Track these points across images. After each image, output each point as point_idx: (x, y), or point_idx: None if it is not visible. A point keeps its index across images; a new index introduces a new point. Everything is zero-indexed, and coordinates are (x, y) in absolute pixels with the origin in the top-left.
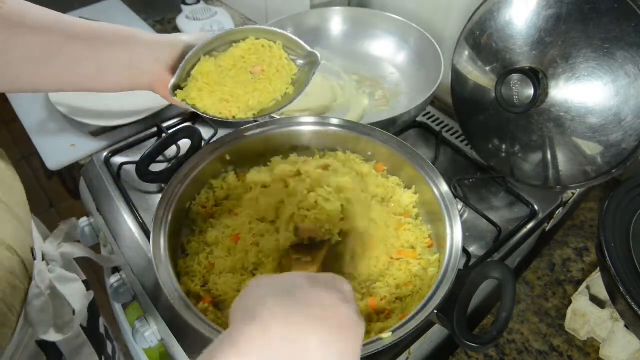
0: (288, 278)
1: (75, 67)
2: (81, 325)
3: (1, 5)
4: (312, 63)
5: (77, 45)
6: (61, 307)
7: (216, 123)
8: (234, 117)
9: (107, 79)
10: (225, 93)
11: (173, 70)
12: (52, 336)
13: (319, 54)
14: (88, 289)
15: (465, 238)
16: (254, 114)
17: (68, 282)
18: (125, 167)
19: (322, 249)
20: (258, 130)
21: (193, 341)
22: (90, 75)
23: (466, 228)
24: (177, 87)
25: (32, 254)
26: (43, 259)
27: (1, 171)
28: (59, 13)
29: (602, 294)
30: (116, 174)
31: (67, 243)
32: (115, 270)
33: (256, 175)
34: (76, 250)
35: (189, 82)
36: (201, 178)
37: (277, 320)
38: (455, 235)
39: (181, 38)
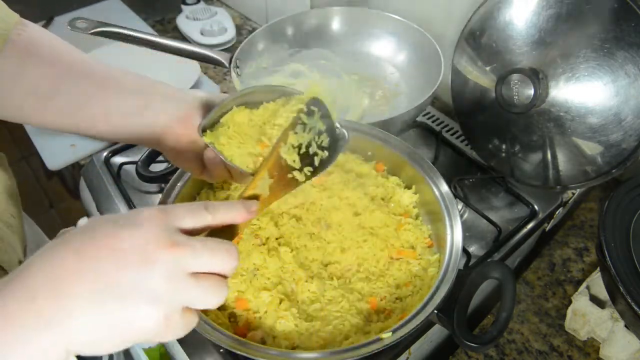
0: (82, 229)
1: (81, 107)
2: None
3: (20, 33)
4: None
5: (88, 84)
6: None
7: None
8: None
9: (115, 125)
10: (255, 147)
11: (186, 124)
12: None
13: (347, 134)
14: None
15: (465, 238)
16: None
17: None
18: (125, 167)
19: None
20: None
21: (193, 341)
22: (96, 118)
23: (466, 228)
24: (205, 130)
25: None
26: None
27: None
28: (79, 51)
29: (602, 294)
30: (116, 174)
31: None
32: None
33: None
34: None
35: (218, 128)
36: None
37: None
38: (455, 235)
39: (199, 94)
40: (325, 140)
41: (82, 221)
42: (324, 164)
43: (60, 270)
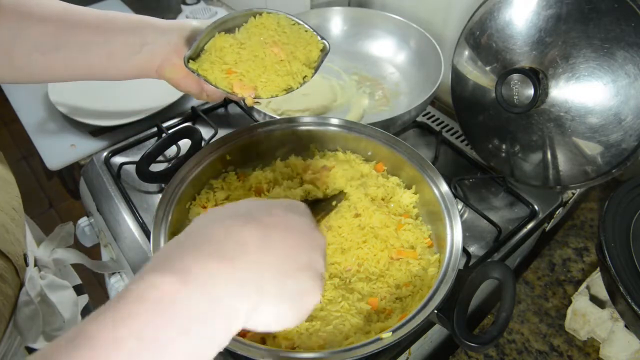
0: (242, 204)
1: (86, 54)
2: None
3: None
4: (322, 51)
5: (87, 33)
6: (51, 315)
7: (216, 123)
8: (242, 97)
9: (118, 65)
10: (237, 68)
11: (179, 54)
12: (42, 344)
13: (328, 43)
14: (82, 292)
15: (465, 238)
16: (270, 96)
17: (58, 289)
18: (125, 167)
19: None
20: (258, 130)
21: None
22: (100, 61)
23: (466, 228)
24: (190, 59)
25: (25, 260)
26: (35, 265)
27: None
28: (67, 3)
29: (602, 294)
30: (116, 174)
31: (61, 249)
32: None
33: (258, 175)
34: (70, 257)
35: (202, 55)
36: (201, 178)
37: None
38: (455, 235)
39: (191, 22)
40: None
41: (83, 221)
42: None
43: (248, 239)
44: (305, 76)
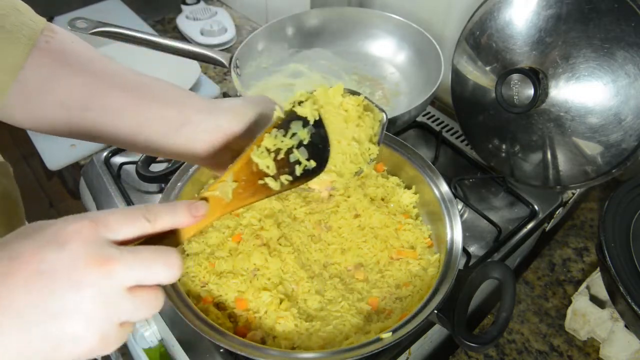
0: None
1: (114, 120)
2: None
3: (48, 40)
4: (380, 122)
5: (121, 96)
6: None
7: None
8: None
9: (149, 139)
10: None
11: (235, 142)
12: None
13: (386, 114)
14: None
15: (465, 238)
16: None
17: None
18: (125, 167)
19: None
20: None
21: (193, 341)
22: (129, 131)
23: (466, 228)
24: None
25: None
26: None
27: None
28: (110, 58)
29: (602, 294)
30: (116, 174)
31: None
32: None
33: None
34: None
35: None
36: (201, 178)
37: None
38: (455, 235)
39: (250, 107)
40: (314, 150)
41: None
42: (308, 174)
43: None
44: (372, 153)
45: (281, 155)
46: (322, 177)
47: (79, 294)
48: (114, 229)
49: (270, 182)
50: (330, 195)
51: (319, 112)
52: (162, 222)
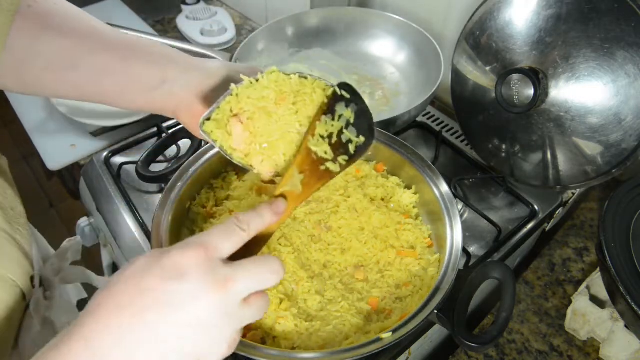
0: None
1: (100, 79)
2: None
3: (30, 4)
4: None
5: (106, 56)
6: (53, 337)
7: None
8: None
9: (132, 97)
10: (259, 140)
11: (205, 100)
12: None
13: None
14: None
15: (465, 238)
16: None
17: (63, 311)
18: (125, 167)
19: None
20: None
21: None
22: (114, 90)
23: (466, 228)
24: (209, 119)
25: (32, 282)
26: (41, 285)
27: (2, 193)
28: (94, 18)
29: (602, 294)
30: (116, 174)
31: (67, 266)
32: (116, 270)
33: (258, 175)
34: (76, 276)
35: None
36: (201, 178)
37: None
38: (455, 235)
39: (213, 63)
40: (359, 125)
41: (83, 221)
42: (360, 150)
43: (124, 334)
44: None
45: (334, 139)
46: (265, 159)
47: (209, 319)
48: (221, 248)
49: (330, 165)
50: (273, 180)
51: (352, 88)
52: (254, 227)
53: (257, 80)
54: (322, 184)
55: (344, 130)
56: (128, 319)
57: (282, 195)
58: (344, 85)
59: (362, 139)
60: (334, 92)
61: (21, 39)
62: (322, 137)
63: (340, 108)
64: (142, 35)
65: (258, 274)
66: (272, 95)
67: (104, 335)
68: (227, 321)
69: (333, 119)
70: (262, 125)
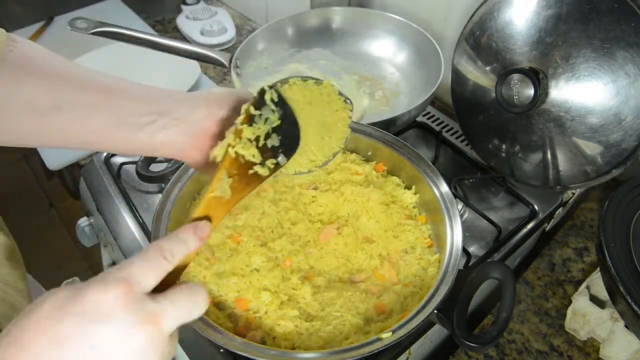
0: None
1: (85, 119)
2: None
3: (11, 49)
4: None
5: (91, 95)
6: None
7: None
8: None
9: (124, 135)
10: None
11: (208, 126)
12: None
13: (352, 103)
14: None
15: (465, 238)
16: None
17: None
18: (125, 167)
19: None
20: None
21: (193, 341)
22: (102, 129)
23: (466, 228)
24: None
25: None
26: None
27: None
28: (78, 64)
29: (602, 294)
30: (116, 174)
31: None
32: None
33: None
34: None
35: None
36: (201, 178)
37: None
38: (455, 235)
39: (211, 96)
40: (284, 128)
41: (83, 221)
42: (288, 152)
43: None
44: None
45: (261, 142)
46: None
47: (138, 356)
48: (144, 281)
49: (259, 169)
50: (315, 189)
51: (279, 92)
52: (178, 255)
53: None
54: (252, 188)
55: (271, 135)
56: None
57: (205, 217)
58: (262, 92)
59: (287, 142)
60: (259, 95)
61: (2, 86)
62: (249, 140)
63: (266, 111)
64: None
65: (186, 307)
66: None
67: None
68: (158, 357)
69: (258, 122)
70: None
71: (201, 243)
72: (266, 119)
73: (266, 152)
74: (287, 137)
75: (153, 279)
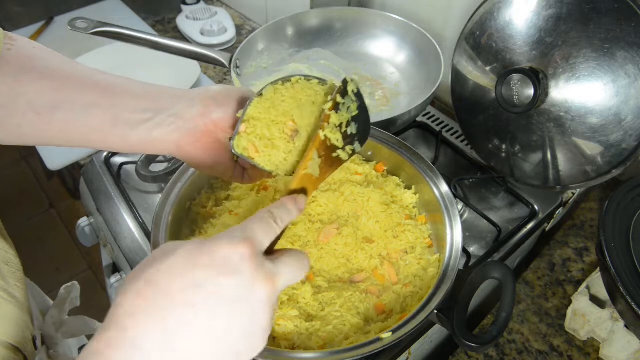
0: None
1: (86, 117)
2: None
3: (9, 47)
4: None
5: (91, 93)
6: None
7: None
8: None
9: (122, 132)
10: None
11: (205, 122)
12: None
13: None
14: None
15: (465, 238)
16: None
17: None
18: (125, 167)
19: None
20: None
21: None
22: (102, 126)
23: (466, 228)
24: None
25: (34, 343)
26: (43, 343)
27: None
28: (75, 61)
29: (602, 294)
30: (116, 174)
31: (68, 319)
32: (116, 270)
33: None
34: (78, 328)
35: (239, 133)
36: (201, 178)
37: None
38: (455, 235)
39: (210, 91)
40: (360, 118)
41: (83, 221)
42: (362, 141)
43: (177, 326)
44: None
45: (343, 128)
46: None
47: (258, 311)
48: (263, 242)
49: (341, 153)
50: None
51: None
52: (284, 222)
53: (262, 95)
54: (333, 170)
55: (350, 123)
56: (177, 318)
57: (301, 190)
58: (351, 81)
59: (362, 131)
60: (344, 85)
61: (1, 84)
62: (335, 125)
63: (348, 101)
64: (127, 77)
65: (295, 269)
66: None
67: (153, 336)
68: (271, 315)
69: (341, 110)
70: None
71: (300, 213)
72: (348, 108)
73: (346, 138)
74: (362, 126)
75: (267, 241)
